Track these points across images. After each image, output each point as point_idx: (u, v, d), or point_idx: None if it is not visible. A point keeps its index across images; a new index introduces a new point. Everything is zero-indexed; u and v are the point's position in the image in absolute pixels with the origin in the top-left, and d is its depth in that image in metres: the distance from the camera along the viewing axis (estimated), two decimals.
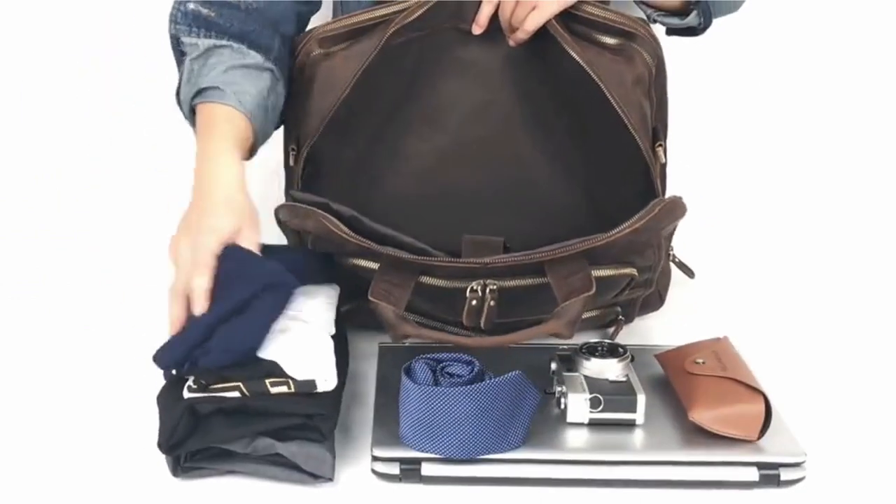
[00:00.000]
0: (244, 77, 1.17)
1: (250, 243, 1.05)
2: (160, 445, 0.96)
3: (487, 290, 1.08)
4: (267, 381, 0.97)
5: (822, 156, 1.64)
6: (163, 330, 1.01)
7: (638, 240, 1.08)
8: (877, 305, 1.38)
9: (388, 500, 0.96)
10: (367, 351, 1.17)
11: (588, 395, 1.01)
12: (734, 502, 0.97)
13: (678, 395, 1.04)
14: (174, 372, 0.99)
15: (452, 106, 1.22)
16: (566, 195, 1.24)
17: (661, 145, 1.21)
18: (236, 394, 0.97)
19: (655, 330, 1.28)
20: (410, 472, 0.97)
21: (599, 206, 1.22)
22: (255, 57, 1.19)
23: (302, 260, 1.12)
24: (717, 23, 1.28)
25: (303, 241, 1.16)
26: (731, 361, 1.05)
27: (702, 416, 1.00)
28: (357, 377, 1.15)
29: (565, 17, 1.16)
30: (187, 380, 0.98)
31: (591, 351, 1.06)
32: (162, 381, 1.01)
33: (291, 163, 1.24)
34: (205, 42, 1.19)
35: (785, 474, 0.98)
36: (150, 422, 0.98)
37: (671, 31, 1.31)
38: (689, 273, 1.27)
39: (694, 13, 1.25)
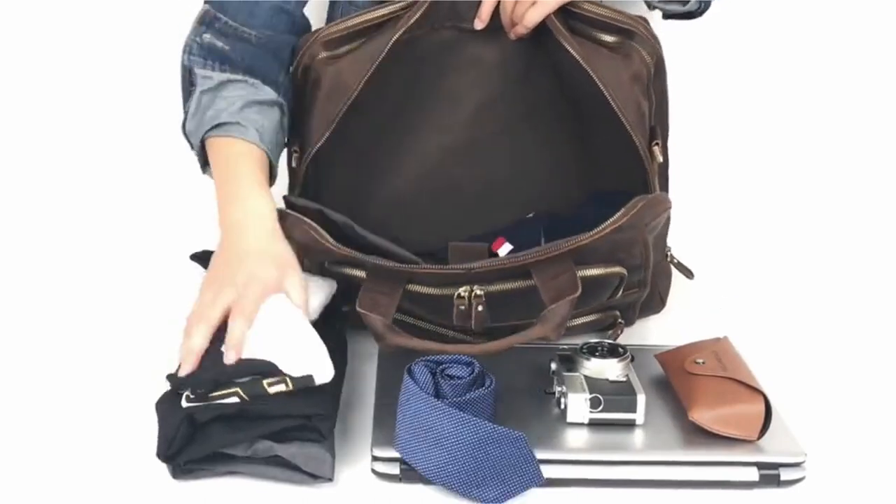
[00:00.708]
0: (260, 113, 1.18)
1: (296, 288, 1.04)
2: (159, 455, 0.95)
3: (473, 296, 1.07)
4: (264, 382, 0.96)
5: (823, 156, 1.63)
6: (161, 331, 1.01)
7: (623, 237, 1.08)
8: (877, 305, 1.38)
9: (388, 500, 0.96)
10: (367, 351, 1.16)
11: (588, 395, 1.01)
12: (734, 502, 0.97)
13: (678, 395, 1.04)
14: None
15: (454, 104, 1.22)
16: (566, 192, 1.25)
17: (658, 144, 1.21)
18: (235, 399, 0.96)
19: (655, 330, 1.28)
20: (410, 472, 0.96)
21: None
22: (269, 93, 1.19)
23: None
24: (718, 22, 1.28)
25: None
26: (731, 361, 1.05)
27: (702, 416, 0.99)
28: (357, 377, 1.15)
29: (564, 14, 1.17)
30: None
31: (591, 351, 1.06)
32: (162, 385, 1.01)
33: (294, 164, 1.23)
34: (218, 76, 1.19)
35: (785, 474, 0.98)
36: (149, 422, 0.98)
37: (668, 16, 1.31)
38: (688, 274, 1.27)
39: None
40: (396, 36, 1.15)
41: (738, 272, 1.46)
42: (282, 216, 1.11)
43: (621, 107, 1.14)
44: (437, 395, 0.97)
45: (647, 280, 1.17)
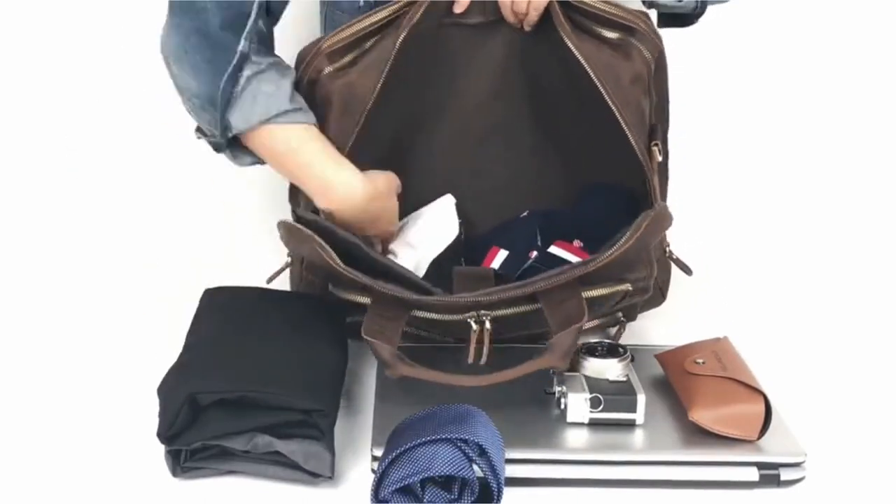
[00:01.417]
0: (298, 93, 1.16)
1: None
2: (159, 435, 0.96)
3: (486, 325, 1.04)
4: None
5: (823, 155, 1.63)
6: (162, 326, 1.00)
7: (628, 258, 1.08)
8: (877, 305, 1.38)
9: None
10: (368, 351, 1.16)
11: (588, 395, 1.01)
12: (734, 502, 0.97)
13: (678, 395, 1.04)
14: None
15: (457, 101, 1.23)
16: (566, 189, 1.25)
17: (656, 144, 1.21)
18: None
19: (655, 330, 1.28)
20: None
21: None
22: (293, 71, 1.17)
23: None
24: (718, 23, 1.28)
25: (302, 261, 1.16)
26: (731, 361, 1.05)
27: (702, 416, 0.99)
28: (357, 377, 1.15)
29: (567, 7, 1.17)
30: None
31: (591, 351, 1.06)
32: (161, 374, 1.01)
33: None
34: (266, 59, 1.15)
35: (785, 474, 0.98)
36: (149, 422, 0.98)
37: (664, 23, 1.30)
38: (687, 270, 1.26)
39: None
40: (401, 38, 1.14)
41: (738, 271, 1.46)
42: (290, 230, 1.11)
43: (621, 108, 1.14)
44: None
45: (649, 287, 1.17)
